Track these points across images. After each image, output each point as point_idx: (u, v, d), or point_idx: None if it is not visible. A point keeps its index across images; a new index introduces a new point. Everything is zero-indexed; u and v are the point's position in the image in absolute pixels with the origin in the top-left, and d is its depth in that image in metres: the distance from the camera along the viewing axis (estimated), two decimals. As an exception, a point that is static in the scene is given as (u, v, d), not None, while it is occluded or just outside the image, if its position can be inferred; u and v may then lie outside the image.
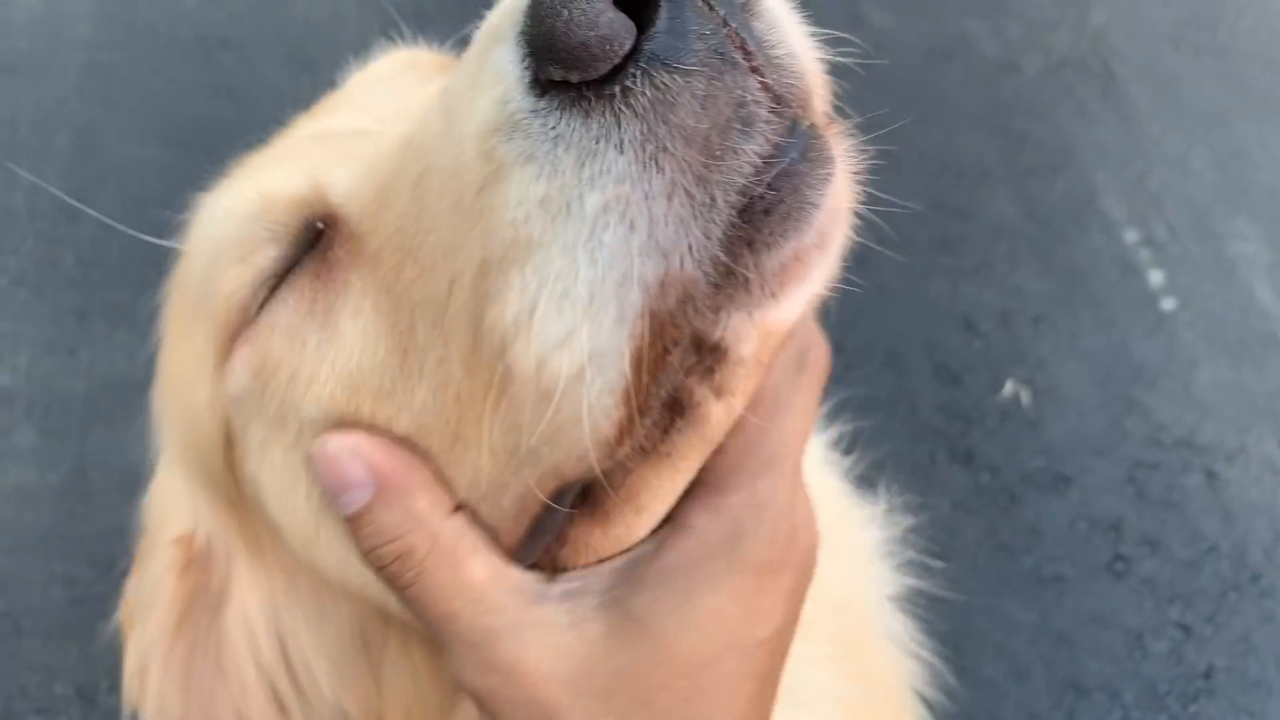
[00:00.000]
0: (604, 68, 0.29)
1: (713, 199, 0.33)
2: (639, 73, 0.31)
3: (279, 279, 0.43)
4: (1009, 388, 1.75)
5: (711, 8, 0.33)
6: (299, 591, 0.47)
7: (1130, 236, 1.92)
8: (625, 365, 0.33)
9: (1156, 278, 1.88)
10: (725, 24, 0.33)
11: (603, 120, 0.31)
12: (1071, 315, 1.83)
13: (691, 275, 0.34)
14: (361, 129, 0.46)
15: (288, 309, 0.41)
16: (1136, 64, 2.16)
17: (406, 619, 0.44)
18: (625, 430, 0.35)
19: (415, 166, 0.36)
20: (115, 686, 1.26)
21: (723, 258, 0.34)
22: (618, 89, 0.30)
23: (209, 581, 0.48)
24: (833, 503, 0.73)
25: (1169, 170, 2.01)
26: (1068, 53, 2.18)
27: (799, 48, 0.36)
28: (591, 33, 0.28)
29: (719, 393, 0.37)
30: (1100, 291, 1.85)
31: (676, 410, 0.37)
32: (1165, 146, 2.04)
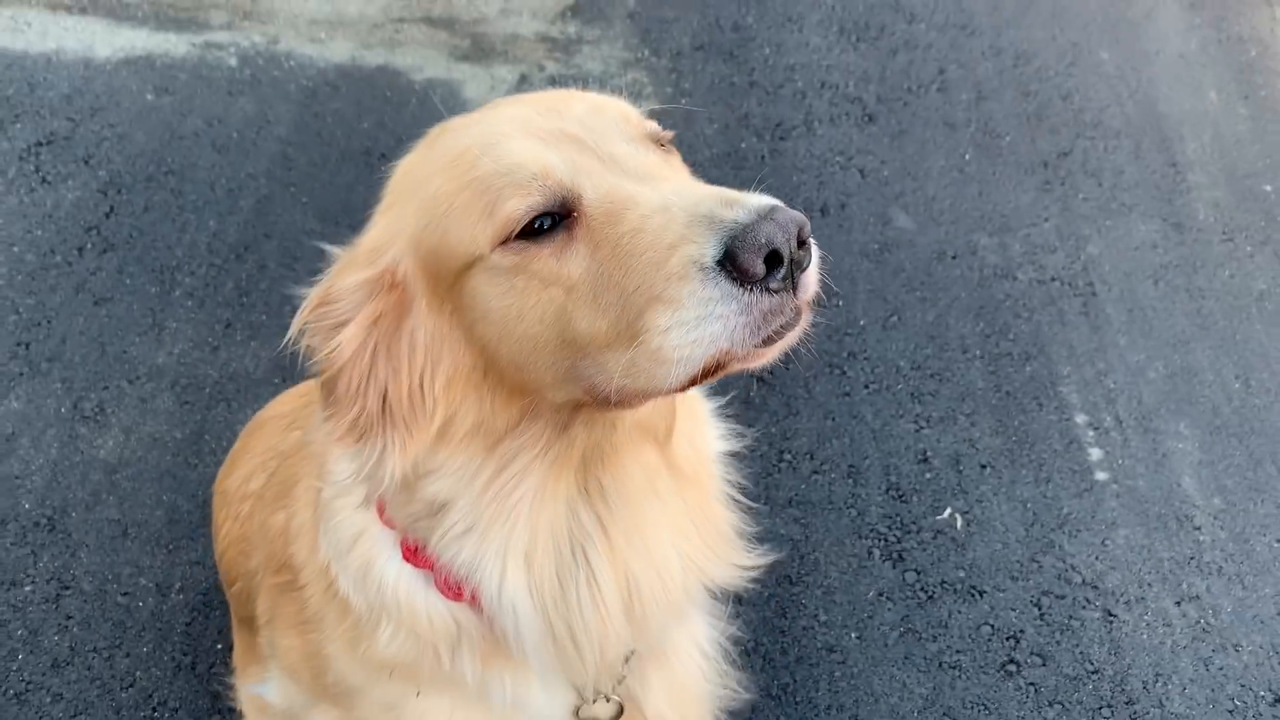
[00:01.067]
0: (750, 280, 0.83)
1: (758, 333, 0.84)
2: (755, 285, 0.86)
3: (532, 222, 0.92)
4: (948, 513, 2.25)
5: (794, 265, 0.84)
6: (448, 340, 0.95)
7: (1080, 419, 2.45)
8: (696, 370, 0.88)
9: (1096, 454, 2.38)
10: (792, 273, 0.85)
11: (737, 290, 0.85)
12: (1014, 469, 2.34)
13: (738, 352, 0.87)
14: (590, 146, 0.92)
15: (550, 245, 0.96)
16: (1118, 289, 2.76)
17: (503, 380, 0.96)
18: (681, 388, 0.89)
19: (641, 223, 0.85)
20: (185, 589, 1.88)
21: (753, 349, 0.87)
22: (748, 286, 0.83)
23: (400, 300, 0.96)
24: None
25: (1127, 375, 2.55)
26: (1059, 271, 2.80)
27: (813, 283, 0.87)
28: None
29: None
30: (1044, 456, 2.37)
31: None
32: (1128, 356, 2.60)
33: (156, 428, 2.28)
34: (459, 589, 1.02)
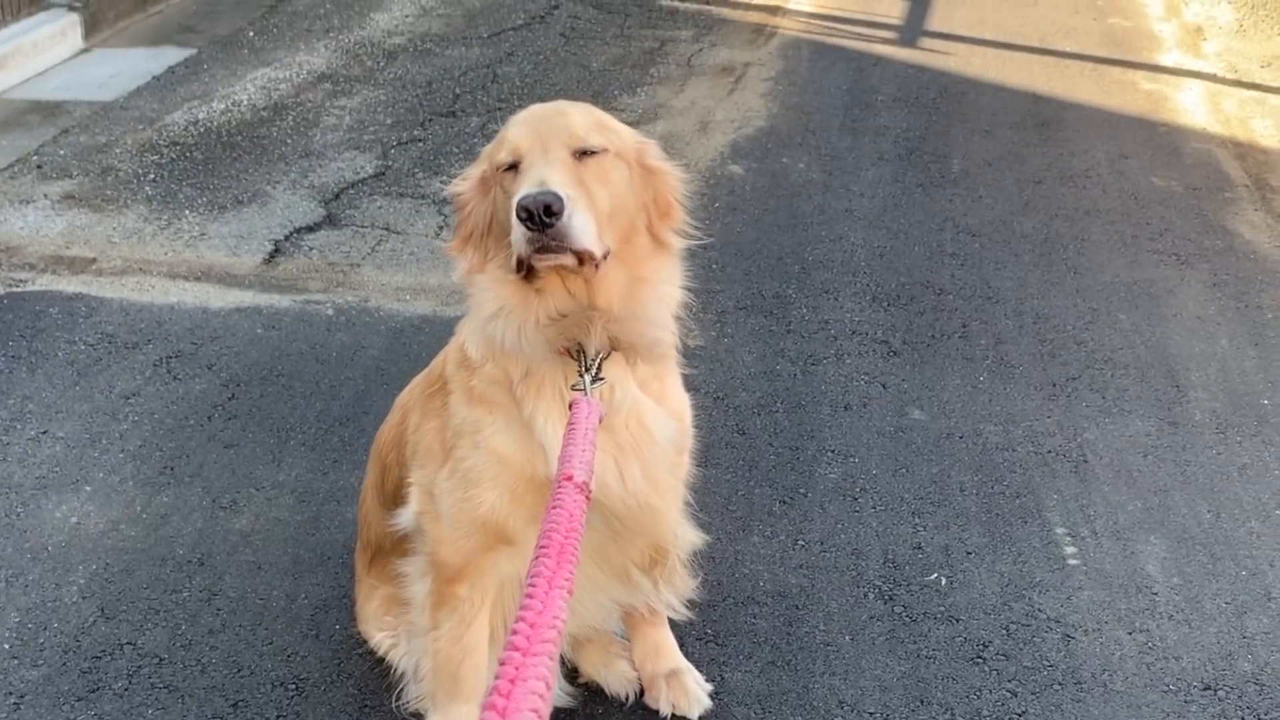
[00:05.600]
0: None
1: (529, 247, 2.67)
2: (524, 224, 2.72)
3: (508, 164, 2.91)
4: (934, 576, 3.96)
5: (542, 221, 2.66)
6: (495, 214, 2.84)
7: (1060, 530, 4.20)
8: (514, 258, 2.75)
9: (1070, 550, 4.10)
10: (541, 224, 2.70)
11: (520, 225, 2.76)
12: (995, 555, 4.07)
13: (524, 254, 2.77)
14: (543, 138, 2.77)
15: (510, 175, 2.86)
16: (1108, 459, 4.61)
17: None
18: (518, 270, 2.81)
19: (523, 180, 2.73)
20: (309, 597, 4.03)
21: (533, 254, 2.79)
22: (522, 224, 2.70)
23: (486, 186, 2.81)
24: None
25: (1106, 507, 4.33)
26: (1055, 448, 4.67)
27: (571, 237, 2.65)
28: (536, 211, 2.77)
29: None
30: (1023, 550, 4.10)
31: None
32: (1110, 497, 4.39)
33: (280, 514, 4.19)
34: None
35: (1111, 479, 4.50)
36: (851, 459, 4.56)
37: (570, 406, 2.65)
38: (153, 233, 6.22)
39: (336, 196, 6.70)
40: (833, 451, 4.61)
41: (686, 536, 3.23)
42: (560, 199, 2.60)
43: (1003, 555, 4.09)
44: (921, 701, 3.49)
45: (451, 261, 2.97)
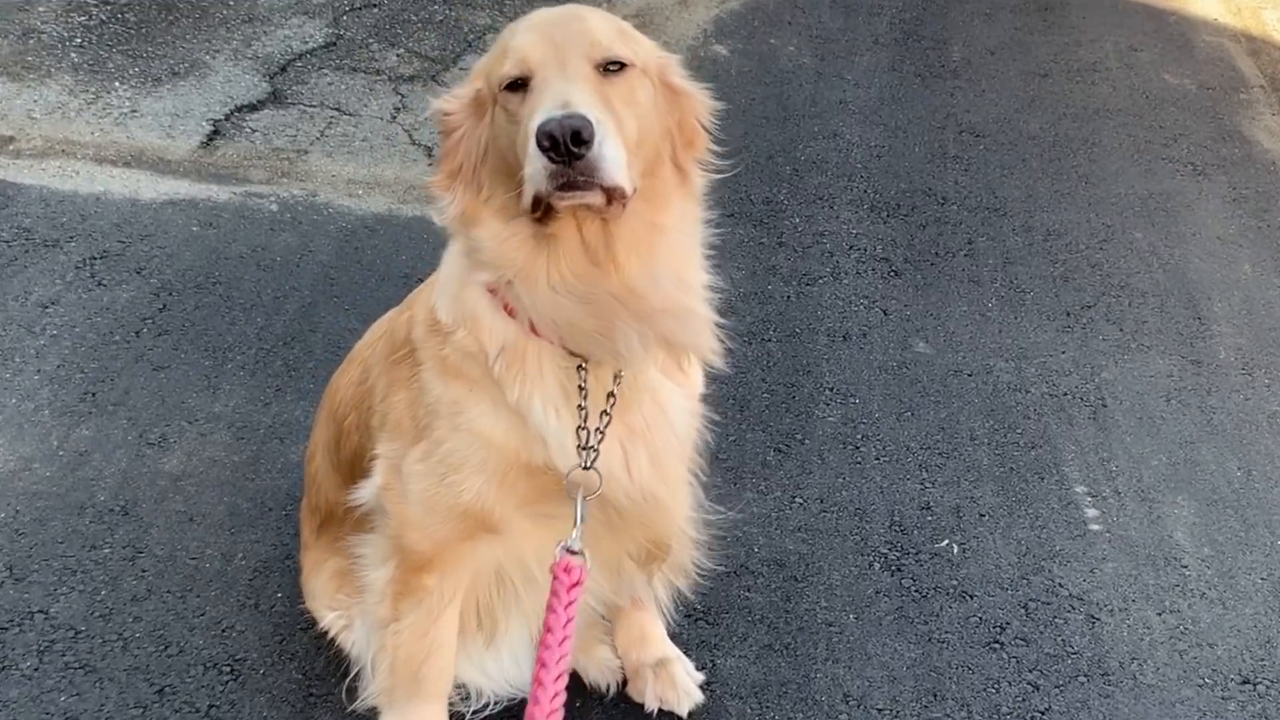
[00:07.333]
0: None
1: (552, 184, 2.18)
2: (547, 155, 2.19)
3: (511, 81, 2.35)
4: (945, 543, 3.61)
5: (569, 151, 2.17)
6: (492, 144, 2.36)
7: (1079, 489, 3.85)
8: (530, 196, 2.25)
9: (1092, 513, 3.76)
10: (569, 154, 2.18)
11: (539, 155, 2.18)
12: (1011, 518, 3.71)
13: (543, 192, 2.26)
14: (558, 49, 2.29)
15: (516, 97, 2.42)
16: (1129, 404, 4.25)
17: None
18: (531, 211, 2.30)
19: (539, 101, 2.23)
20: (247, 557, 3.47)
21: (554, 192, 2.26)
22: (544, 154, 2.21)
23: (481, 106, 2.33)
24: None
25: (1129, 462, 3.98)
26: (1071, 389, 4.31)
27: (602, 171, 2.18)
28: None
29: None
30: (1041, 512, 3.75)
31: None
32: (1132, 449, 4.04)
33: (215, 453, 3.75)
34: (511, 310, 2.48)
35: (1133, 428, 4.14)
36: (852, 399, 4.17)
37: (552, 572, 2.43)
38: (78, 108, 5.63)
39: (283, 70, 6.12)
40: (831, 390, 4.21)
41: (693, 534, 2.83)
42: (590, 123, 2.16)
43: (1019, 518, 3.73)
44: (935, 695, 3.15)
45: (433, 197, 2.49)
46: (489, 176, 2.42)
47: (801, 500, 3.73)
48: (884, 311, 4.64)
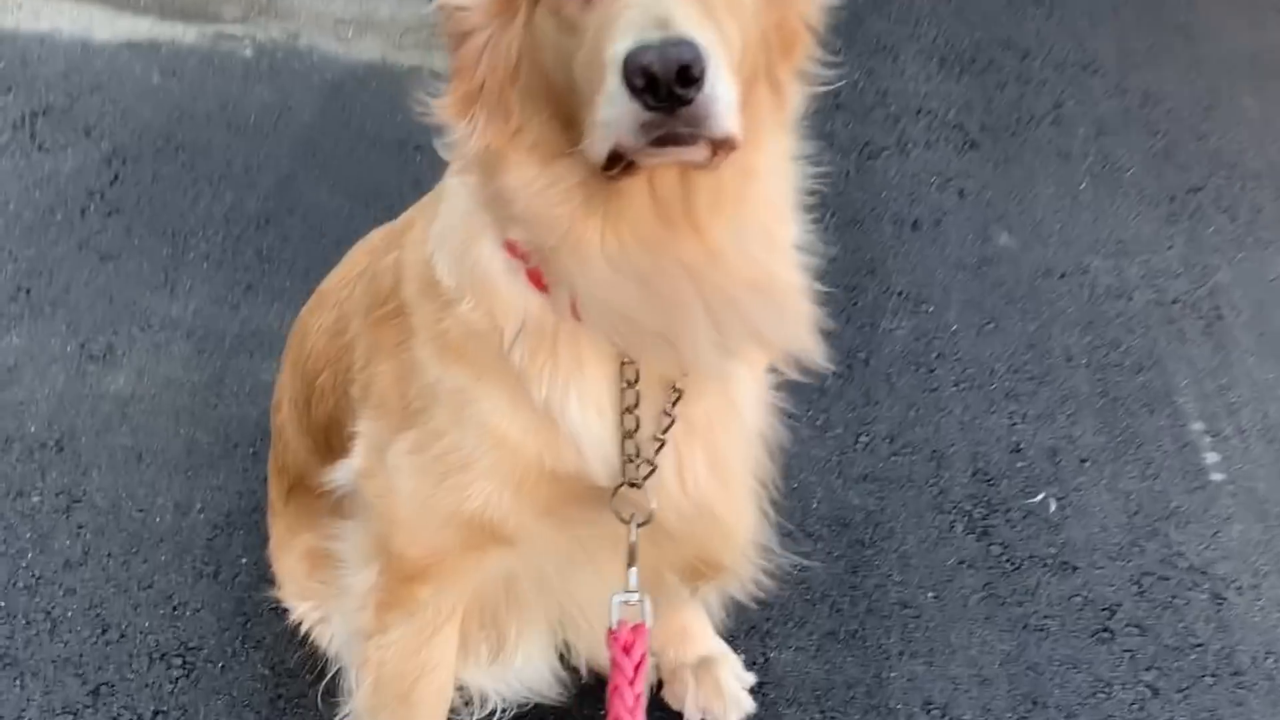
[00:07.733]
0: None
1: (641, 137, 1.52)
2: (638, 97, 1.52)
3: None
4: (1040, 498, 3.03)
5: (672, 94, 1.50)
6: (527, 57, 1.71)
7: (1196, 426, 3.26)
8: (605, 151, 1.54)
9: (1212, 458, 3.17)
10: (672, 98, 1.51)
11: (626, 96, 1.51)
12: (1118, 464, 3.13)
13: (628, 146, 1.59)
14: None
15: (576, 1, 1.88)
16: (1248, 315, 3.63)
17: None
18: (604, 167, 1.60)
19: (622, 13, 1.55)
20: (206, 509, 2.79)
21: (643, 147, 1.60)
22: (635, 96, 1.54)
23: (511, 7, 1.68)
24: None
25: (1253, 390, 3.38)
26: (1181, 295, 3.68)
27: (712, 119, 1.51)
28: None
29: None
30: (1153, 455, 3.16)
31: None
32: (1255, 375, 3.44)
33: (172, 371, 3.15)
34: (538, 279, 1.86)
35: (1255, 347, 3.52)
36: (924, 307, 3.54)
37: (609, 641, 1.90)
38: (24, -75, 4.88)
39: (263, -119, 5.33)
40: (900, 295, 3.59)
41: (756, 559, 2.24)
42: (700, 55, 1.49)
43: (1127, 465, 3.14)
44: (1034, 702, 2.61)
45: (441, 125, 1.81)
46: (522, 101, 1.76)
47: (868, 439, 3.14)
48: (959, 193, 3.98)
